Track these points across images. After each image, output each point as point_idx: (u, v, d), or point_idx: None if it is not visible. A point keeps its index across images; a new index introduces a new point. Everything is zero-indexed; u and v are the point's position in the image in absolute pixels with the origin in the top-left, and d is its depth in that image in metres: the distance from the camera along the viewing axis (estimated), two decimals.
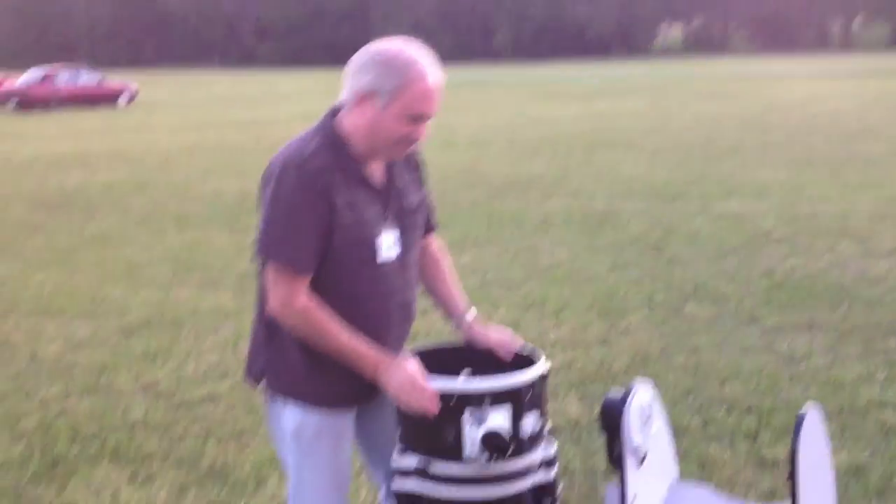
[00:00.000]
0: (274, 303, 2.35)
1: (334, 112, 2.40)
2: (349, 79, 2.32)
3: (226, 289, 7.12)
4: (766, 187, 10.56)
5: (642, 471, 2.54)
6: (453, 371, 2.48)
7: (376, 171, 2.42)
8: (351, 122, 2.35)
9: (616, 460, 2.49)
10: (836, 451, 3.93)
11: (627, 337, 5.55)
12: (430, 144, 2.55)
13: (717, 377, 4.83)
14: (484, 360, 2.57)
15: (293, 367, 2.47)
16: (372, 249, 2.39)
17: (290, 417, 2.50)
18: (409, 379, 2.31)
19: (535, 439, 2.37)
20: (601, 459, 3.81)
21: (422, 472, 2.34)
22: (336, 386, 2.48)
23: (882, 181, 10.52)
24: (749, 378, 4.79)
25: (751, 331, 5.57)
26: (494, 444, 2.24)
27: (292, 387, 2.49)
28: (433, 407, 2.27)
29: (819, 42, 78.64)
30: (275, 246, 2.32)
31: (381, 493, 2.70)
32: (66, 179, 13.82)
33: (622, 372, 4.95)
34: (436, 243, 2.69)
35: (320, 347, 2.37)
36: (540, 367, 2.41)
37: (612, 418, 2.49)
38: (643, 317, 5.91)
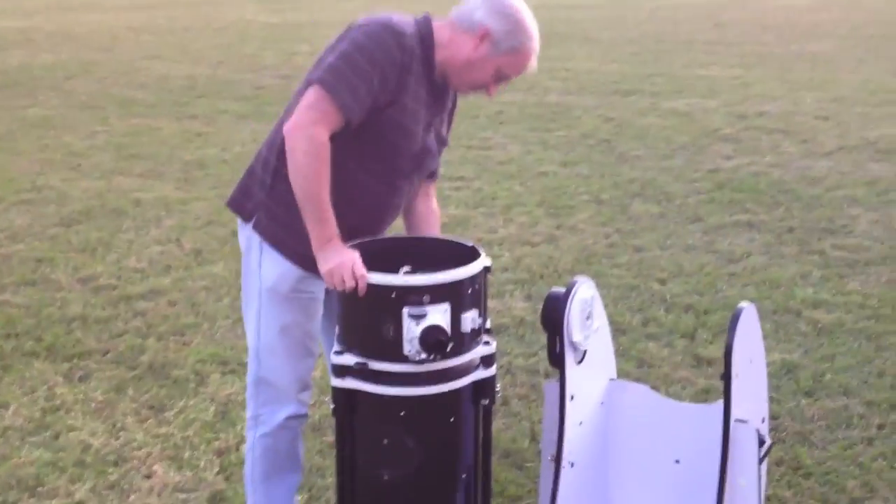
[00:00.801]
0: (297, 118, 2.32)
1: (428, 18, 2.46)
2: (478, 10, 2.38)
3: (170, 179, 7.00)
4: (716, 84, 10.56)
5: (581, 368, 2.59)
6: (395, 267, 2.48)
7: (439, 84, 2.48)
8: (451, 40, 2.41)
9: (556, 357, 2.53)
10: (769, 349, 4.05)
11: (574, 235, 5.59)
12: None
13: (658, 276, 4.91)
14: (426, 256, 2.56)
15: (289, 218, 2.45)
16: (414, 143, 2.44)
17: (271, 268, 2.51)
18: (348, 261, 2.30)
19: (474, 336, 2.39)
20: (544, 358, 3.88)
21: (360, 370, 2.34)
22: None
23: (827, 81, 10.57)
24: (689, 277, 4.89)
25: (693, 230, 5.65)
26: (434, 342, 2.24)
27: (281, 237, 2.49)
28: (362, 289, 2.28)
29: None
30: (334, 77, 2.31)
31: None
32: (7, 59, 13.34)
33: (568, 270, 5.00)
34: (435, 201, 2.72)
35: (297, 185, 2.34)
36: (480, 263, 2.41)
37: (553, 315, 2.51)
38: (590, 214, 5.95)
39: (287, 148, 2.34)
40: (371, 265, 2.35)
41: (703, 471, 2.56)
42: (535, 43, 2.41)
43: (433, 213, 2.72)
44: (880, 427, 3.42)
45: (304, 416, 2.69)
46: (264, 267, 2.52)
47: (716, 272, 4.95)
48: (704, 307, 4.49)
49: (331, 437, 3.34)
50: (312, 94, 2.32)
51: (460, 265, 2.41)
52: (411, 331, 2.26)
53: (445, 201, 6.29)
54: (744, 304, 2.45)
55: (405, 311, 2.27)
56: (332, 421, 3.04)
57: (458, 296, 2.32)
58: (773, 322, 4.31)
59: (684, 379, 3.81)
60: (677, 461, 2.68)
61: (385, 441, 2.38)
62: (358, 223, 2.46)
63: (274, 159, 2.49)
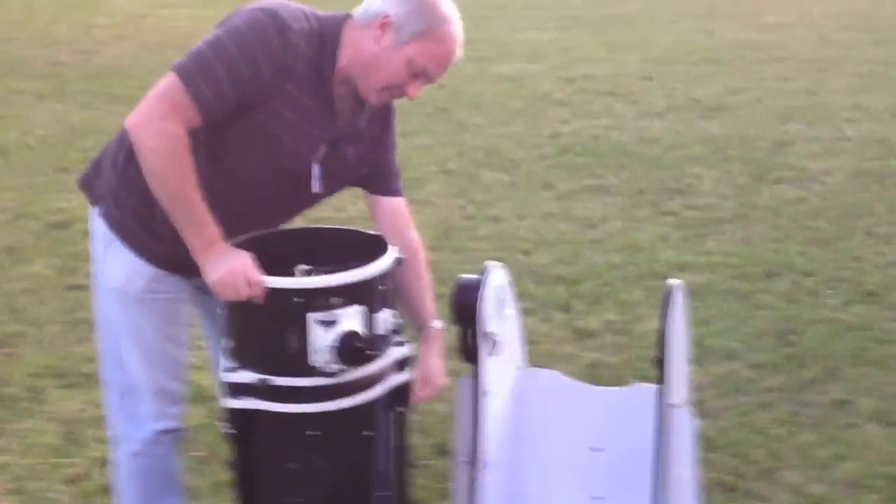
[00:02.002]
0: (141, 111, 1.95)
1: (341, 18, 2.07)
2: None
3: None
4: (539, 48, 10.59)
5: (495, 360, 2.39)
6: (289, 265, 2.17)
7: (345, 98, 2.09)
8: (354, 39, 2.03)
9: (469, 351, 2.32)
10: (643, 317, 4.02)
11: (428, 208, 5.38)
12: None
13: (521, 247, 4.79)
14: (320, 251, 2.26)
15: (142, 208, 2.11)
16: (287, 161, 2.09)
17: (118, 265, 2.18)
18: (238, 267, 1.97)
19: (388, 338, 2.13)
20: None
21: (260, 388, 2.03)
22: (177, 248, 2.08)
23: (644, 42, 10.82)
24: (552, 247, 4.79)
25: (547, 196, 5.56)
26: (352, 350, 1.96)
27: (132, 229, 2.15)
28: (259, 297, 1.97)
29: None
30: (195, 64, 1.95)
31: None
32: None
33: (428, 247, 4.74)
34: (413, 232, 2.42)
35: (157, 189, 1.99)
36: (391, 255, 2.14)
37: (465, 305, 2.30)
38: (440, 186, 5.76)
39: (135, 148, 1.98)
40: (262, 265, 2.04)
41: (628, 459, 2.43)
42: (453, 27, 2.05)
43: (415, 257, 2.38)
44: (770, 390, 3.42)
45: (177, 430, 2.36)
46: (110, 263, 2.19)
47: (577, 239, 4.87)
48: (574, 276, 4.40)
49: (201, 452, 2.99)
50: (165, 82, 1.96)
51: (363, 258, 2.14)
52: (320, 339, 1.97)
53: None
54: (673, 283, 2.30)
55: (311, 317, 1.97)
56: (200, 432, 2.70)
57: (371, 295, 2.05)
58: (644, 288, 4.27)
59: (569, 355, 3.70)
60: (598, 449, 2.53)
61: (291, 465, 2.09)
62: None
63: (128, 140, 2.09)
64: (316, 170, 2.15)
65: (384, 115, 2.23)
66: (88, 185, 2.26)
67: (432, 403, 3.30)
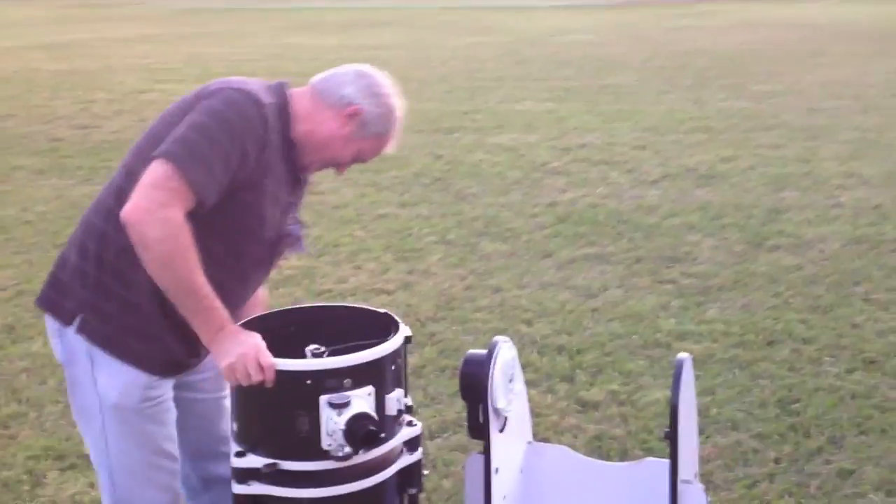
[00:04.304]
0: (139, 202, 1.94)
1: (283, 86, 2.19)
2: (348, 86, 2.17)
3: None
4: (534, 119, 10.73)
5: (504, 436, 2.38)
6: (298, 346, 2.18)
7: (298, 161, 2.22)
8: (312, 113, 2.15)
9: (479, 427, 2.31)
10: (648, 386, 4.01)
11: (428, 279, 5.40)
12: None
13: (523, 317, 4.79)
14: (328, 330, 2.27)
15: (124, 314, 2.09)
16: (269, 228, 2.17)
17: (110, 381, 2.12)
18: (251, 351, 1.98)
19: (398, 419, 2.14)
20: (436, 424, 3.66)
21: (269, 473, 2.02)
22: (171, 349, 2.14)
23: (635, 112, 10.97)
24: (554, 316, 4.79)
25: (546, 266, 5.59)
26: (364, 434, 1.96)
27: (117, 339, 2.10)
28: (270, 380, 1.98)
29: None
30: (185, 150, 1.97)
31: (181, 479, 2.35)
32: None
33: (430, 318, 4.80)
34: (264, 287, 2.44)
35: (163, 280, 1.99)
36: (402, 334, 2.15)
37: (474, 381, 2.29)
38: (440, 257, 5.79)
39: (135, 241, 1.96)
40: (270, 346, 2.05)
41: None
42: (397, 130, 2.26)
43: (258, 299, 2.41)
44: (777, 461, 3.40)
45: None
46: (101, 381, 2.13)
47: (578, 309, 4.89)
48: (576, 347, 4.40)
49: None
50: (157, 169, 1.96)
51: (372, 337, 2.15)
52: (332, 422, 1.97)
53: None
54: (682, 356, 2.31)
55: (323, 399, 1.98)
56: None
57: (382, 375, 2.06)
58: (647, 358, 4.27)
59: (574, 427, 3.68)
60: None
61: None
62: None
63: (94, 245, 2.11)
64: (296, 231, 2.27)
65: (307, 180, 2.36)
66: (53, 304, 2.16)
67: (439, 479, 3.29)
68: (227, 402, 2.39)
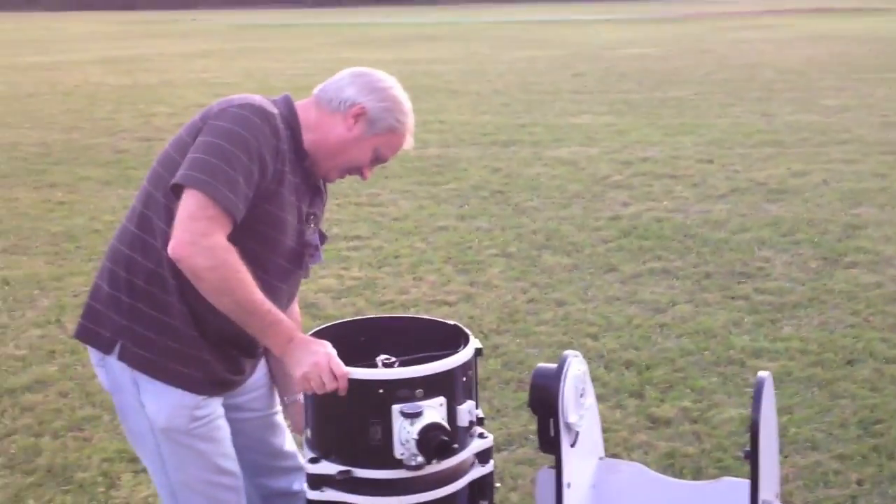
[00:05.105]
0: (183, 237, 1.93)
1: (289, 99, 2.18)
2: (347, 88, 2.15)
3: (38, 254, 6.35)
4: (593, 132, 10.62)
5: (575, 451, 2.29)
6: (368, 355, 2.13)
7: (312, 174, 2.21)
8: (319, 122, 2.14)
9: (551, 442, 2.23)
10: (721, 404, 3.88)
11: (490, 291, 5.32)
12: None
13: (588, 331, 4.68)
14: (398, 341, 2.21)
15: (163, 337, 2.07)
16: (290, 238, 2.14)
17: (158, 405, 2.09)
18: (323, 361, 1.94)
19: (469, 430, 2.06)
20: (502, 436, 3.56)
21: (343, 480, 1.98)
22: (213, 368, 2.11)
23: (699, 125, 10.80)
24: (620, 331, 4.67)
25: (611, 280, 5.47)
26: (437, 444, 1.90)
27: (159, 364, 2.08)
28: (343, 389, 1.94)
29: None
30: (209, 175, 1.95)
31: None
32: None
33: (493, 330, 4.71)
34: (296, 303, 2.39)
35: (225, 301, 1.97)
36: (472, 346, 2.09)
37: (545, 395, 2.22)
38: (501, 269, 5.70)
39: (188, 275, 1.96)
40: (341, 356, 2.00)
41: None
42: (412, 120, 2.22)
43: (292, 316, 2.34)
44: (859, 483, 3.24)
45: None
46: (148, 405, 2.10)
47: (646, 324, 4.76)
48: (645, 362, 4.27)
49: None
50: (190, 202, 1.95)
51: (440, 349, 2.09)
52: (405, 431, 1.91)
53: (346, 262, 5.92)
54: (763, 375, 2.19)
55: (396, 408, 1.92)
56: None
57: (453, 386, 2.00)
58: (719, 375, 4.13)
59: (644, 443, 3.56)
60: None
61: None
62: (226, 330, 2.07)
63: (123, 272, 2.09)
64: (314, 241, 2.22)
65: (326, 190, 2.33)
66: (90, 335, 2.14)
67: (507, 492, 3.19)
68: (278, 419, 2.40)
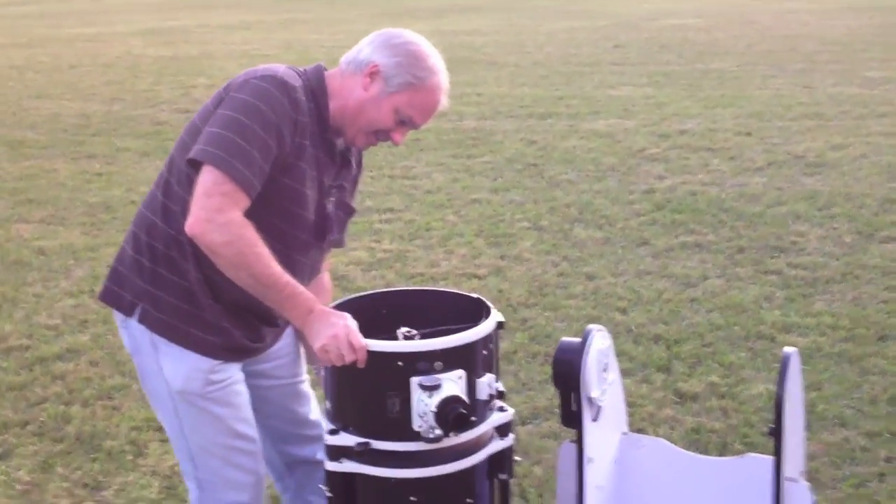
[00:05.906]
0: (198, 213, 1.96)
1: (320, 68, 2.17)
2: (365, 48, 2.13)
3: (74, 224, 6.45)
4: (631, 104, 10.51)
5: (597, 426, 2.30)
6: (388, 328, 2.14)
7: (337, 145, 2.19)
8: (341, 87, 2.12)
9: (572, 416, 2.23)
10: (750, 379, 3.86)
11: (521, 264, 5.32)
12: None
13: (618, 305, 4.67)
14: (419, 314, 2.23)
15: (181, 301, 2.10)
16: (310, 211, 2.14)
17: (174, 367, 2.14)
18: (342, 333, 1.96)
19: (489, 403, 2.08)
20: (527, 410, 3.58)
21: (361, 452, 2.00)
22: (231, 335, 2.14)
23: (739, 97, 10.64)
24: (650, 305, 4.66)
25: (642, 254, 5.44)
26: (455, 416, 1.91)
27: (177, 327, 2.12)
28: (362, 361, 1.96)
29: None
30: (224, 151, 1.97)
31: (265, 461, 2.36)
32: None
33: (522, 304, 4.72)
34: (327, 275, 2.40)
35: (242, 275, 1.99)
36: (493, 319, 2.09)
37: (567, 370, 2.22)
38: (533, 243, 5.69)
39: (206, 251, 1.98)
40: (363, 328, 2.01)
41: None
42: (439, 78, 2.12)
43: (323, 287, 2.36)
44: (888, 460, 3.22)
45: None
46: (166, 368, 2.14)
47: (676, 298, 4.74)
48: (674, 337, 4.26)
49: None
50: (206, 178, 1.97)
51: (462, 322, 2.10)
52: (423, 404, 1.93)
53: (378, 235, 5.95)
54: (788, 350, 2.18)
55: (414, 381, 1.93)
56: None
57: (473, 360, 2.01)
58: (749, 350, 4.11)
59: (671, 418, 3.56)
60: None
61: None
62: (241, 300, 2.09)
63: (145, 236, 2.12)
64: (333, 216, 2.20)
65: (359, 159, 2.30)
66: (113, 297, 2.19)
67: (531, 466, 3.21)
68: (304, 387, 2.43)
